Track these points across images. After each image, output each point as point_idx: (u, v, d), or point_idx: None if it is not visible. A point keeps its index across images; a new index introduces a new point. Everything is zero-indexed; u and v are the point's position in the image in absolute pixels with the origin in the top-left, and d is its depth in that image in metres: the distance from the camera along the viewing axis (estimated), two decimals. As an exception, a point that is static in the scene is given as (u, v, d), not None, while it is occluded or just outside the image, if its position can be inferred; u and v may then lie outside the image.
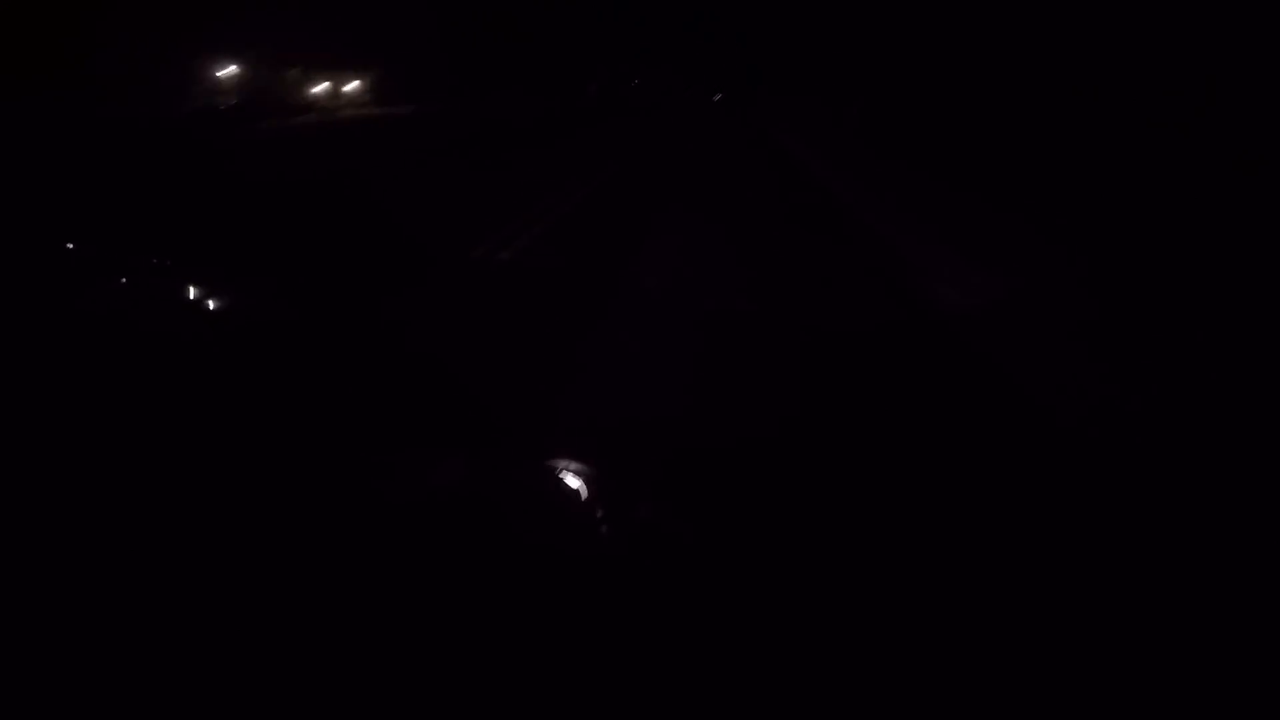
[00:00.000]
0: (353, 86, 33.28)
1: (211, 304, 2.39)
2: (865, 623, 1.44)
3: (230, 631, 1.09)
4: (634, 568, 1.32)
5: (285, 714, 1.04)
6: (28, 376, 1.63)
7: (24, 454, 1.37)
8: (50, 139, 16.90)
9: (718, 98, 59.10)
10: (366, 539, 1.25)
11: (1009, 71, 15.00)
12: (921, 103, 19.33)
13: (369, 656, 1.14)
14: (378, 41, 26.04)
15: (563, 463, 1.46)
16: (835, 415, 3.68)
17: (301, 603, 1.14)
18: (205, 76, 26.79)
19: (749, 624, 1.40)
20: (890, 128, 20.69)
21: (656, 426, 3.39)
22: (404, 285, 5.11)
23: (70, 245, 1.88)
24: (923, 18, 19.89)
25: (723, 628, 1.34)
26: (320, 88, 31.20)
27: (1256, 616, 1.78)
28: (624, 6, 40.08)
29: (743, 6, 47.93)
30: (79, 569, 1.22)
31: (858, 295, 6.23)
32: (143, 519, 1.30)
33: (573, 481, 1.42)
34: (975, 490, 2.97)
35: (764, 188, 13.66)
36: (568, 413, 3.43)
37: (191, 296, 2.47)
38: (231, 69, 27.62)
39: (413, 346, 4.02)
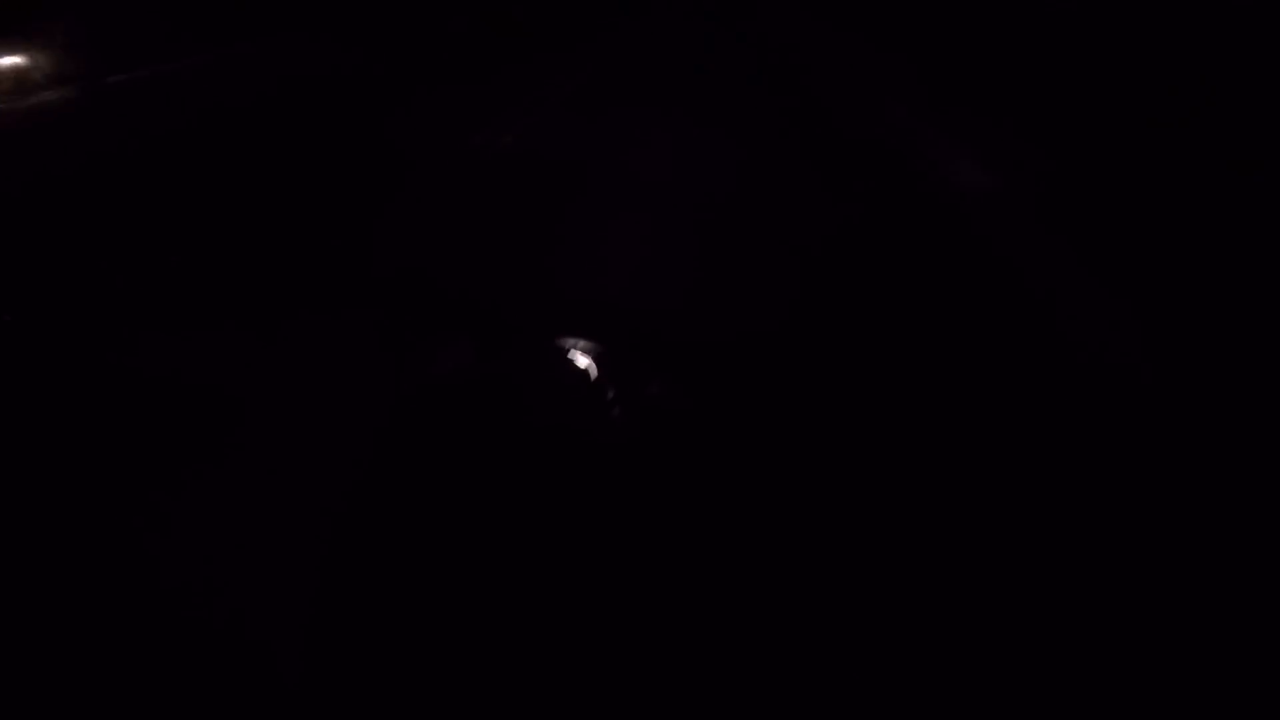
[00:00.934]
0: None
1: None
2: (872, 519, 1.46)
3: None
4: (646, 447, 1.33)
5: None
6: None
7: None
8: None
9: None
10: (387, 424, 1.27)
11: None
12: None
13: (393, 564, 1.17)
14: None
15: (571, 341, 1.46)
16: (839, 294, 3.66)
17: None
18: None
19: (756, 507, 1.42)
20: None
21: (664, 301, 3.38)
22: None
23: None
24: None
25: (731, 510, 1.36)
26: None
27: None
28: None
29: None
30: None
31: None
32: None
33: (582, 361, 1.42)
34: (959, 384, 2.88)
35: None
36: (576, 290, 3.41)
37: None
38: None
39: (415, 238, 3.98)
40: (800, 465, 1.56)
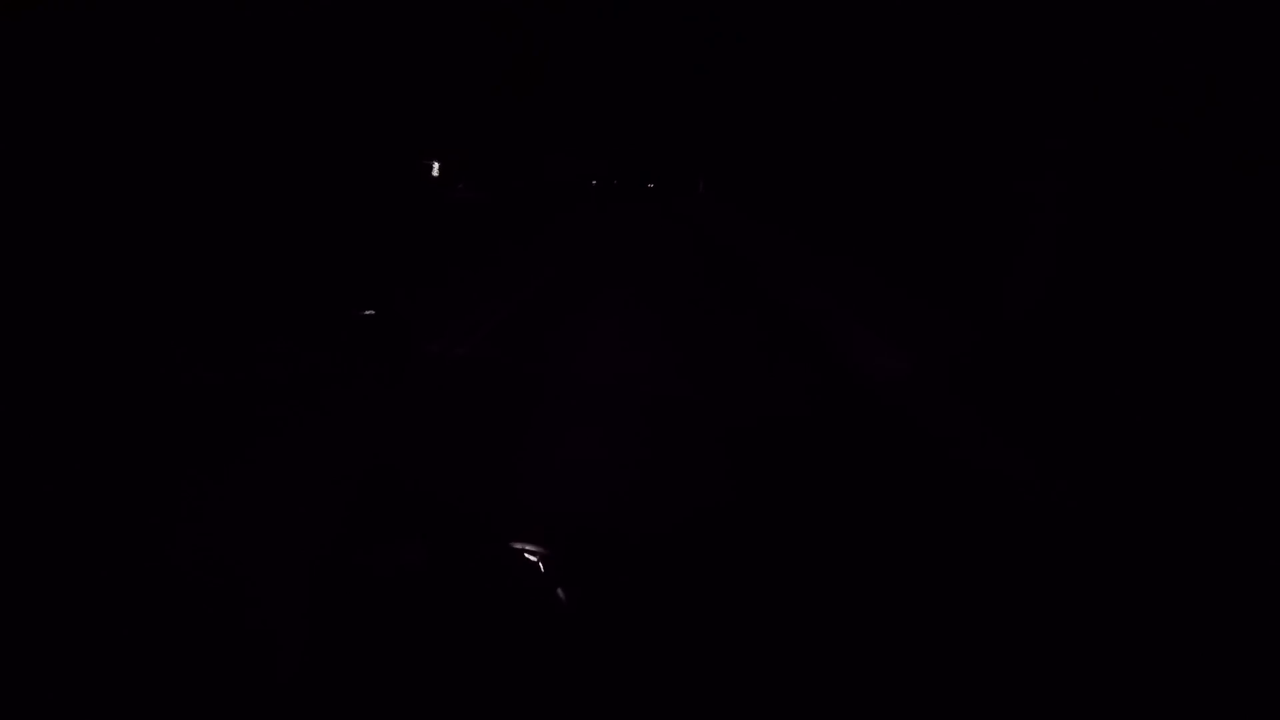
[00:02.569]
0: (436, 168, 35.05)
1: None
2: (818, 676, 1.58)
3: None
4: (592, 638, 1.45)
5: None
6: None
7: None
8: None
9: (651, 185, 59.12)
10: (344, 616, 1.37)
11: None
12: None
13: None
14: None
15: (520, 545, 1.59)
16: (770, 486, 3.87)
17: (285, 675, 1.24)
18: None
19: (707, 684, 1.53)
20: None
21: (609, 502, 3.53)
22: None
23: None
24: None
25: (680, 688, 1.47)
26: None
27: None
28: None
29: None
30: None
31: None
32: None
33: (532, 560, 1.55)
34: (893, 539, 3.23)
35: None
36: (526, 498, 3.56)
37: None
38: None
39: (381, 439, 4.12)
40: (752, 636, 1.69)
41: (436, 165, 34.38)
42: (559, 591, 1.51)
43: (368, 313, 4.07)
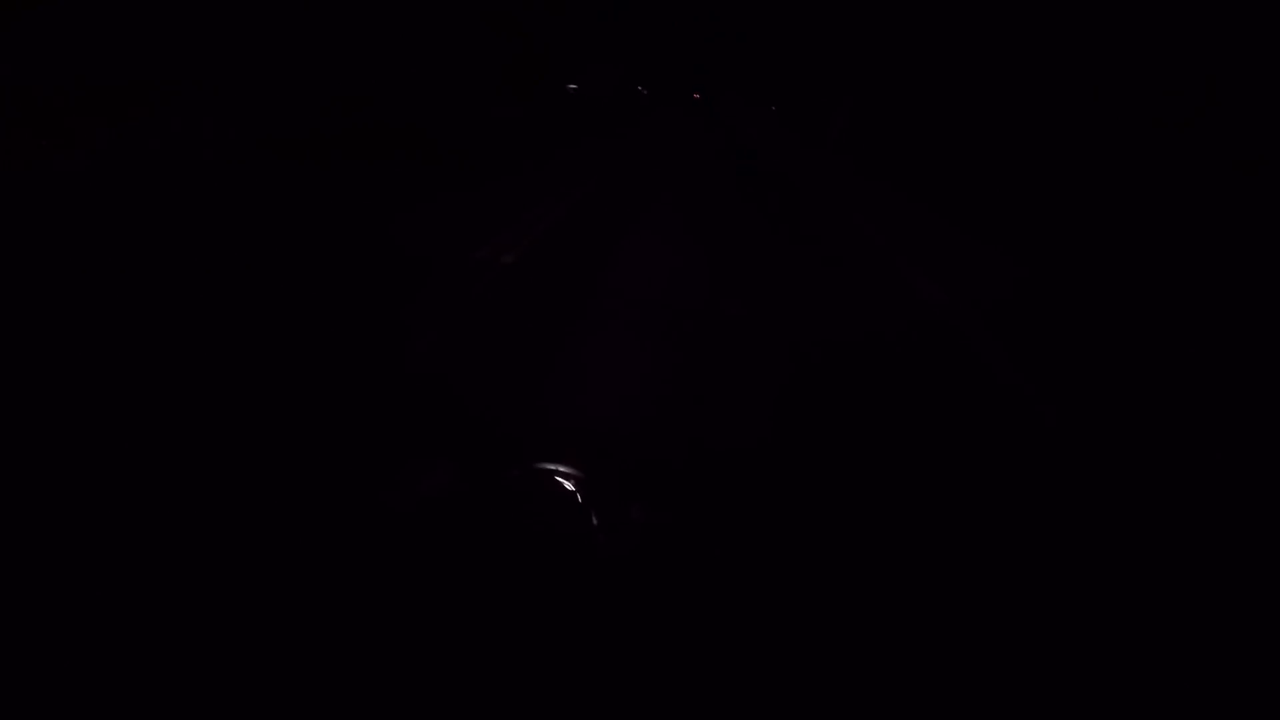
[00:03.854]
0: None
1: None
2: (847, 613, 1.48)
3: (235, 633, 1.11)
4: (633, 569, 1.35)
5: (288, 713, 1.06)
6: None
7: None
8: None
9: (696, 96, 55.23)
10: (368, 544, 1.28)
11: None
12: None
13: (370, 657, 1.17)
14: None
15: (556, 466, 1.49)
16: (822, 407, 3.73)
17: (306, 606, 1.17)
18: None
19: (743, 620, 1.43)
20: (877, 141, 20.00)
21: (646, 429, 3.43)
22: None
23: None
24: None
25: (718, 625, 1.37)
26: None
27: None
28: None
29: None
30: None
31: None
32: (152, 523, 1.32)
33: (568, 485, 1.44)
34: (949, 475, 3.10)
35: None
36: (562, 416, 3.47)
37: None
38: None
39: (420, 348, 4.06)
40: (784, 569, 1.58)
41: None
42: (596, 524, 1.41)
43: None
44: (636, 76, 48.94)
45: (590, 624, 1.21)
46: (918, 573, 2.08)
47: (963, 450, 3.50)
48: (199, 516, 2.19)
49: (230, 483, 2.43)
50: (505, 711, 1.17)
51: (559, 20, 34.10)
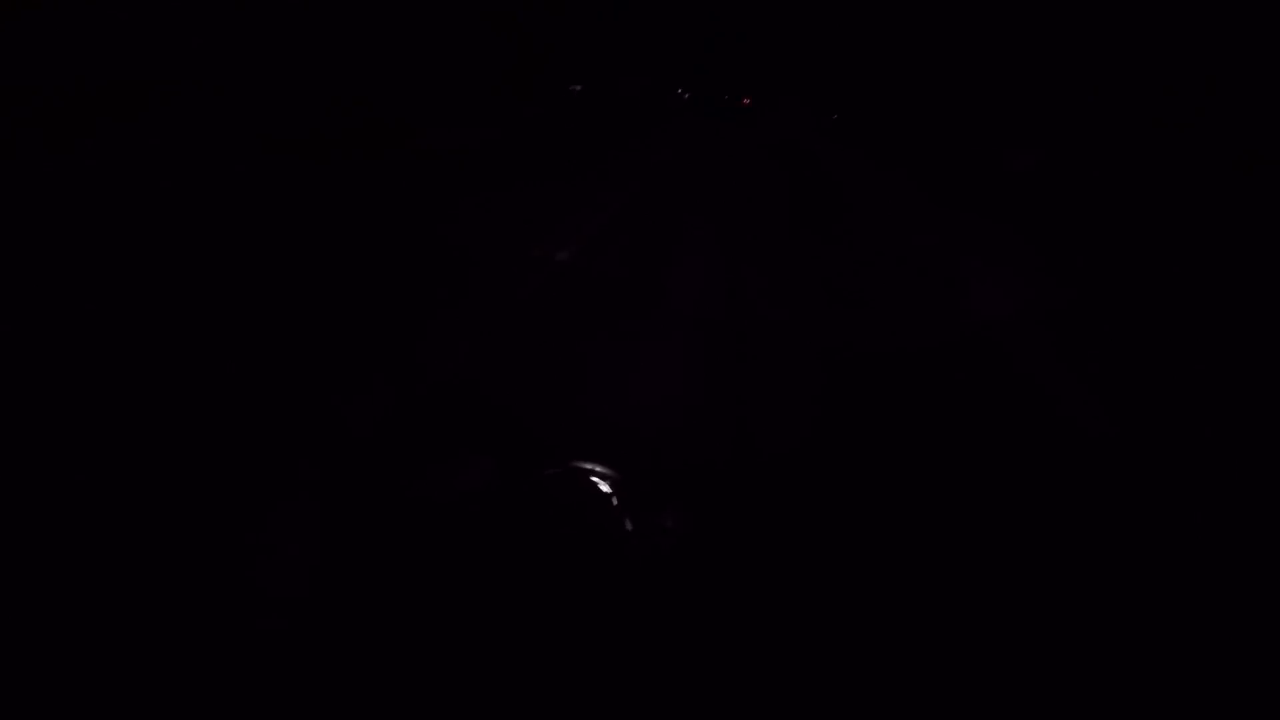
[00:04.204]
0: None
1: None
2: (877, 631, 1.46)
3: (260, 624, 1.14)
4: (661, 573, 1.35)
5: (324, 700, 1.08)
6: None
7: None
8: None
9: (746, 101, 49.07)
10: (404, 536, 1.30)
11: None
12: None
13: (401, 646, 1.19)
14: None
15: (592, 467, 1.49)
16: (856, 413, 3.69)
17: (341, 598, 1.19)
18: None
19: (768, 632, 1.42)
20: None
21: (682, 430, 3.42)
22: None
23: None
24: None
25: (742, 634, 1.37)
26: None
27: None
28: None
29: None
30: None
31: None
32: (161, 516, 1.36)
33: (603, 487, 1.45)
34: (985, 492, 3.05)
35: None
36: (598, 414, 3.48)
37: None
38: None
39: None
40: (812, 579, 1.57)
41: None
42: (627, 522, 1.41)
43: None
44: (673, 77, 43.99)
45: (612, 625, 1.21)
46: (943, 581, 2.06)
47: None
48: (224, 506, 2.25)
49: (263, 472, 2.49)
50: (521, 707, 1.18)
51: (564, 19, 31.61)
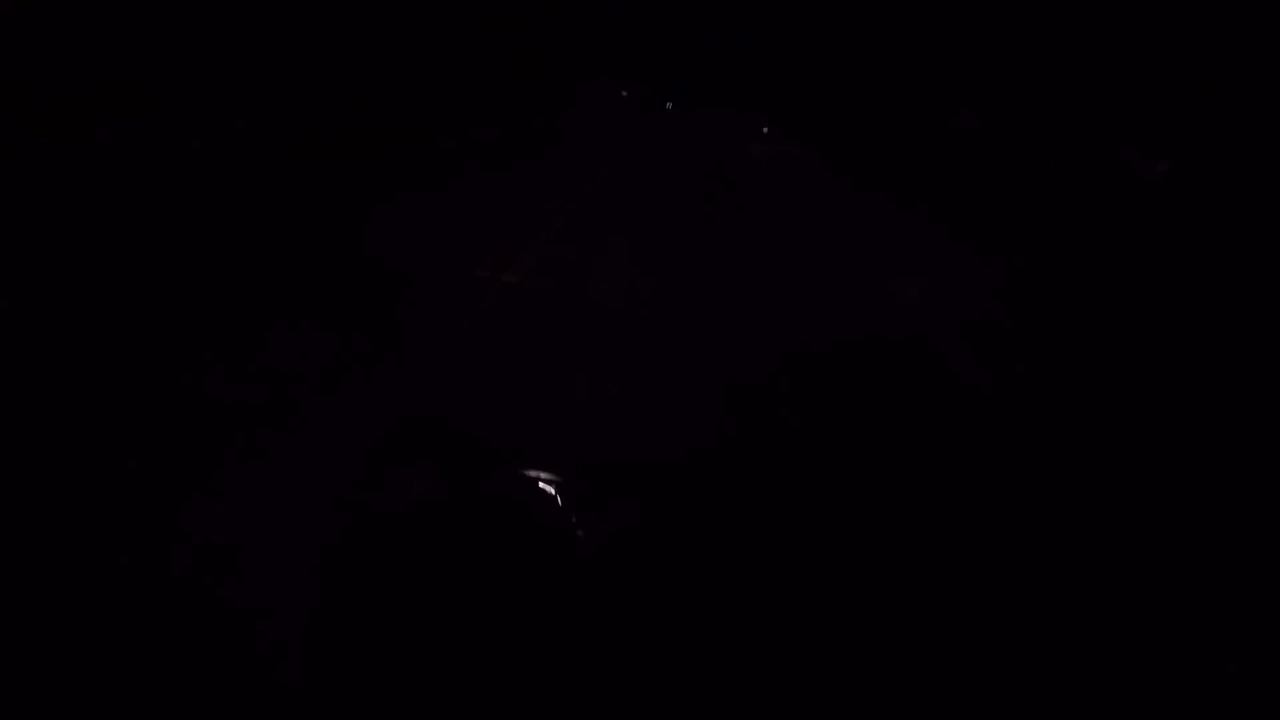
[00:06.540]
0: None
1: None
2: (828, 609, 1.56)
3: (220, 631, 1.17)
4: (610, 566, 1.43)
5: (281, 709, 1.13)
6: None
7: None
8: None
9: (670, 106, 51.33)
10: (355, 543, 1.35)
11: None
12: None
13: (358, 652, 1.25)
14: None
15: (536, 473, 1.56)
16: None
17: (295, 603, 1.23)
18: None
19: (722, 616, 1.51)
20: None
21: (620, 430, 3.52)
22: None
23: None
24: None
25: (697, 620, 1.45)
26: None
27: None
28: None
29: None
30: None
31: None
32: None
33: (547, 489, 1.52)
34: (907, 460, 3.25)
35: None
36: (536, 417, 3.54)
37: None
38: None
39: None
40: (754, 560, 1.66)
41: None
42: (574, 521, 1.49)
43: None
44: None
45: (570, 614, 1.29)
46: (884, 558, 2.17)
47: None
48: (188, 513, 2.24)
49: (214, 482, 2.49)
50: (488, 707, 1.24)
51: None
